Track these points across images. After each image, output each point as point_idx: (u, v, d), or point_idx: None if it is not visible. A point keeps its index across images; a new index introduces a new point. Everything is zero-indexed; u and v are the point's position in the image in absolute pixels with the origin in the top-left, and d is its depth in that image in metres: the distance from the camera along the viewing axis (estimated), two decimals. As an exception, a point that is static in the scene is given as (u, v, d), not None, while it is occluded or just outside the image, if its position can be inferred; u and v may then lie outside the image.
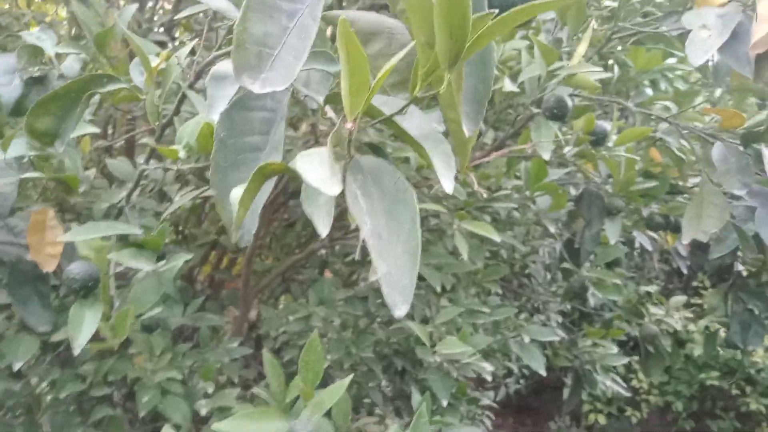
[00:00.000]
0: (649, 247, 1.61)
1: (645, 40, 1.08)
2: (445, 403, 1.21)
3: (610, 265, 1.63)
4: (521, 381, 3.25)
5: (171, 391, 1.29)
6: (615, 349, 1.62)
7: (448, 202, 1.34)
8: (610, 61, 1.32)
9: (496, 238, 1.05)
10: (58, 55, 0.92)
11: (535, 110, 0.99)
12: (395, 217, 0.38)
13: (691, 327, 3.08)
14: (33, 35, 0.96)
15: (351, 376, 0.81)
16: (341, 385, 0.78)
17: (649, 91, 1.47)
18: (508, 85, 0.90)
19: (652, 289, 1.98)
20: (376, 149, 0.49)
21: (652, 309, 1.64)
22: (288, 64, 0.39)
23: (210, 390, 1.26)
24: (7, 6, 1.84)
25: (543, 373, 1.33)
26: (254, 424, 0.75)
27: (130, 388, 1.46)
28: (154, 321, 1.27)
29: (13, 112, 0.85)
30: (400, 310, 0.36)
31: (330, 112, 0.49)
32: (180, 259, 0.74)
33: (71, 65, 0.88)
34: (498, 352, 1.75)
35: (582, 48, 0.88)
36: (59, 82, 0.92)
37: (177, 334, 1.61)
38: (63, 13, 2.26)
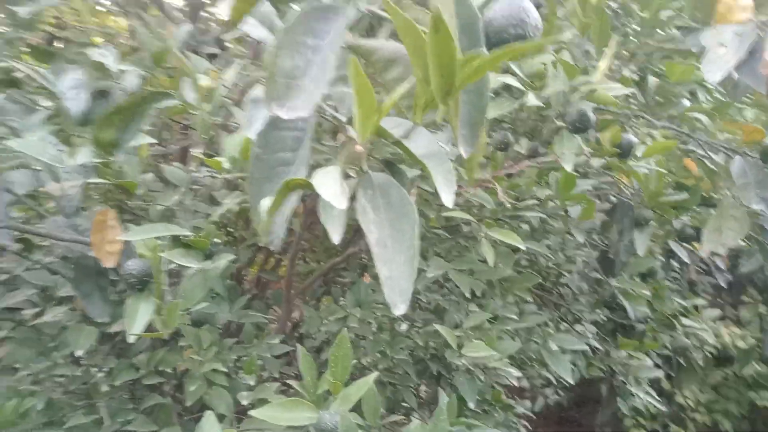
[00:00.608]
0: (686, 259, 1.61)
1: (673, 55, 1.09)
2: (472, 405, 1.25)
3: (645, 277, 1.63)
4: (560, 392, 3.22)
5: (216, 382, 1.38)
6: (649, 362, 1.62)
7: (481, 211, 1.39)
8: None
9: (521, 246, 1.09)
10: (120, 70, 1.03)
11: (560, 123, 1.03)
12: (398, 228, 0.44)
13: (741, 343, 2.99)
14: (98, 52, 1.06)
15: (377, 373, 0.87)
16: (367, 380, 0.84)
17: (687, 103, 1.48)
18: (532, 100, 0.95)
19: (699, 302, 1.96)
20: (390, 165, 0.55)
21: (685, 321, 1.63)
22: (311, 93, 0.46)
23: (252, 383, 1.35)
24: (72, 19, 2.00)
25: (570, 381, 1.35)
26: (287, 413, 0.82)
27: (178, 379, 1.57)
28: (203, 316, 1.37)
29: (80, 123, 0.95)
30: (399, 309, 0.42)
31: (351, 131, 0.55)
32: (224, 259, 0.81)
33: (131, 80, 0.98)
34: (535, 361, 1.77)
35: (604, 64, 0.91)
36: (121, 96, 1.02)
37: (224, 330, 1.71)
38: (122, 23, 2.42)
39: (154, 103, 0.79)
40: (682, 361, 1.55)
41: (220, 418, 1.37)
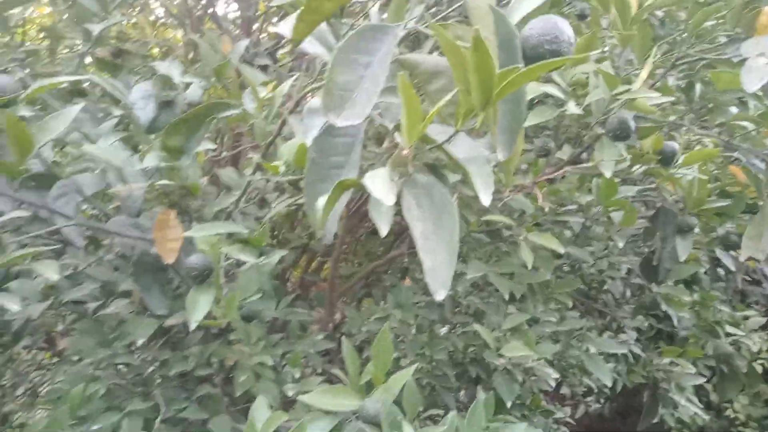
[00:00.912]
0: (732, 267, 1.59)
1: (717, 64, 1.10)
2: (509, 405, 1.28)
3: (689, 284, 1.62)
4: (602, 401, 3.18)
5: (263, 375, 1.46)
6: (692, 369, 1.61)
7: (522, 216, 1.42)
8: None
9: (561, 250, 1.11)
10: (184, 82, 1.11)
11: (601, 131, 1.05)
12: (440, 223, 0.49)
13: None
14: (163, 65, 1.15)
15: (417, 365, 0.91)
16: (407, 371, 0.89)
17: (735, 110, 1.47)
18: (572, 108, 0.98)
19: (750, 313, 1.92)
20: (433, 169, 0.60)
21: (729, 329, 1.61)
22: (362, 105, 0.51)
23: (297, 375, 1.41)
24: (133, 32, 2.13)
25: (609, 384, 1.36)
26: (332, 399, 0.87)
27: (227, 372, 1.65)
28: (252, 312, 1.44)
29: (148, 131, 1.03)
30: (439, 295, 0.47)
31: (398, 138, 0.60)
32: (277, 256, 0.88)
33: (194, 91, 1.06)
34: (576, 367, 1.77)
35: (644, 74, 0.94)
36: (183, 106, 1.11)
37: (270, 327, 1.79)
38: (178, 36, 2.56)
39: (217, 112, 0.86)
40: (725, 368, 1.52)
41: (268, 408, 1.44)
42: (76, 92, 1.49)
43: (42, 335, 1.90)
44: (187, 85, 1.05)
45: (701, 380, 1.65)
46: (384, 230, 0.48)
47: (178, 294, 1.41)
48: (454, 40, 0.44)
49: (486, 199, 0.50)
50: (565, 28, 0.51)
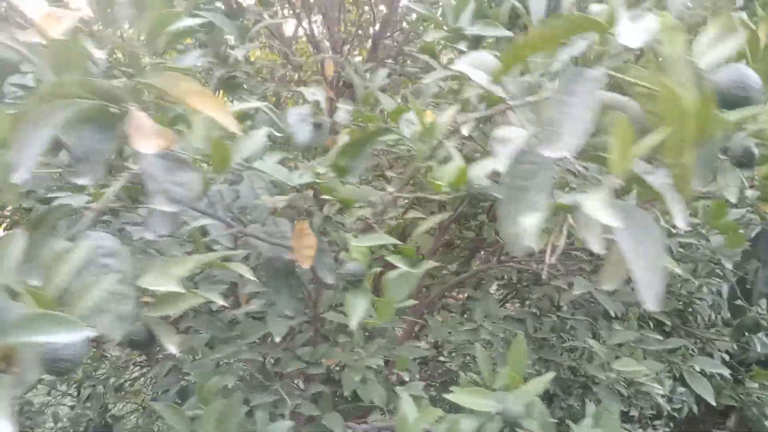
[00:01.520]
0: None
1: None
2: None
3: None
4: (671, 424, 3.15)
5: (370, 377, 1.56)
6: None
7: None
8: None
9: (677, 269, 1.17)
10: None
11: (723, 157, 1.11)
12: (644, 241, 0.57)
13: None
14: (309, 92, 1.28)
15: (554, 373, 0.99)
16: (545, 377, 0.97)
17: None
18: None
19: None
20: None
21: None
22: (570, 139, 0.61)
23: (407, 378, 1.51)
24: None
25: (713, 402, 1.40)
26: (474, 398, 0.96)
27: (327, 373, 1.76)
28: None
29: (304, 150, 1.16)
30: (650, 305, 0.55)
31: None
32: (428, 265, 0.98)
33: (342, 115, 1.18)
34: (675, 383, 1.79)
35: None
36: (327, 128, 1.23)
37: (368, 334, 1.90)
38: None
39: (379, 136, 0.97)
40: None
41: (376, 408, 1.54)
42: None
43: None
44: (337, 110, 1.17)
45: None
46: (600, 248, 0.57)
47: (301, 297, 1.53)
48: (673, 88, 0.53)
49: (683, 224, 0.58)
50: (752, 74, 0.59)
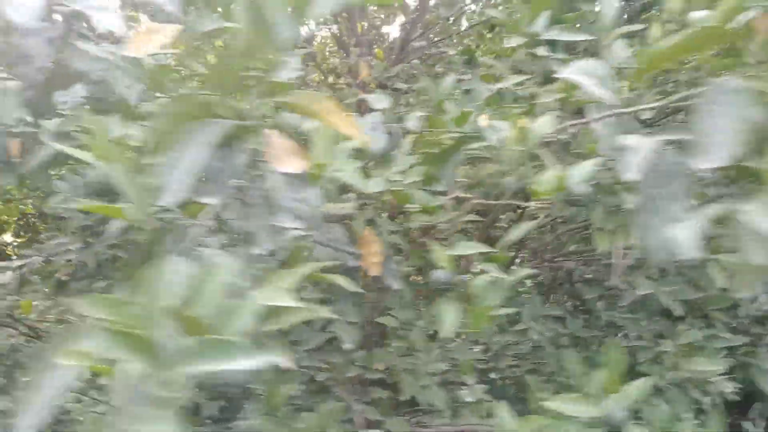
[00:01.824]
0: None
1: None
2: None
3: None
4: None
5: (430, 382, 1.56)
6: None
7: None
8: None
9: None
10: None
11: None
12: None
13: None
14: (372, 98, 1.28)
15: (655, 377, 0.99)
16: (647, 381, 0.96)
17: None
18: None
19: None
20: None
21: None
22: (718, 151, 0.60)
23: (470, 382, 1.51)
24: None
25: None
26: (572, 406, 0.96)
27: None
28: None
29: (378, 157, 1.15)
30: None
31: None
32: (524, 272, 0.98)
33: (413, 123, 1.17)
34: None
35: None
36: (398, 135, 1.22)
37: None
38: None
39: (465, 145, 0.97)
40: None
41: (438, 412, 1.54)
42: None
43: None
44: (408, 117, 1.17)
45: None
46: (763, 258, 0.57)
47: (361, 303, 1.53)
48: None
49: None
50: None
